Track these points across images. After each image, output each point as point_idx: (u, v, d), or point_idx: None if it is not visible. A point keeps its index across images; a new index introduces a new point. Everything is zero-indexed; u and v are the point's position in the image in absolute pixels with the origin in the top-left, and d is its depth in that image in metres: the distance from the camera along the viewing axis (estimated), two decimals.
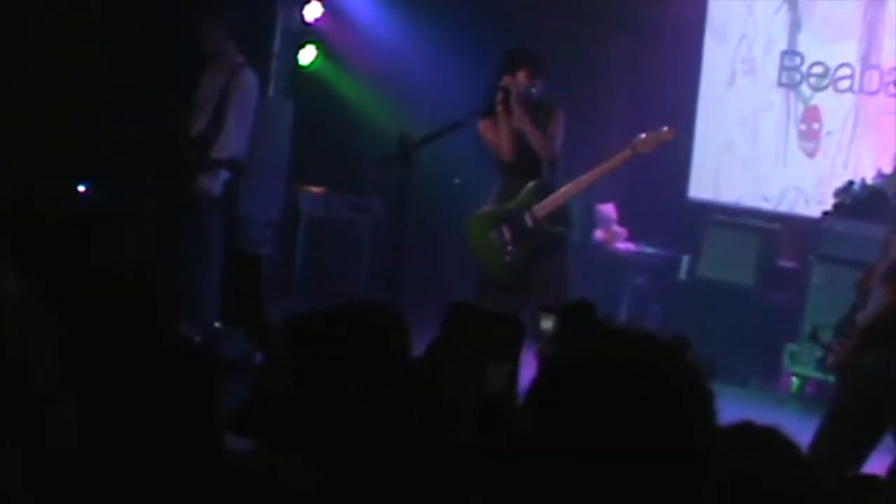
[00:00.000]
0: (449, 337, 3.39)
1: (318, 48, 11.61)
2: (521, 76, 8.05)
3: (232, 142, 9.06)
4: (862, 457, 5.75)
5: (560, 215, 8.18)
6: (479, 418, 2.90)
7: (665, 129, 8.24)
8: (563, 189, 8.15)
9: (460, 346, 3.30)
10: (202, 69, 9.30)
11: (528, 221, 8.11)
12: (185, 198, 9.03)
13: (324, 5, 11.52)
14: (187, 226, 9.05)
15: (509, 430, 2.40)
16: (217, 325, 8.73)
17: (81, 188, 9.65)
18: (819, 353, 8.97)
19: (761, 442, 2.61)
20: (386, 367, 2.96)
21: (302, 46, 11.56)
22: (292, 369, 3.02)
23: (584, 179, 8.20)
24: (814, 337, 8.07)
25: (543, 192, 8.13)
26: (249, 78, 9.28)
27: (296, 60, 11.59)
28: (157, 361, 2.88)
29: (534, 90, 8.09)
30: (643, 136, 8.19)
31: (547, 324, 3.54)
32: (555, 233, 8.14)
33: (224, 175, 9.07)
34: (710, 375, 2.06)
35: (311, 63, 11.64)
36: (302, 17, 11.47)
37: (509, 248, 8.18)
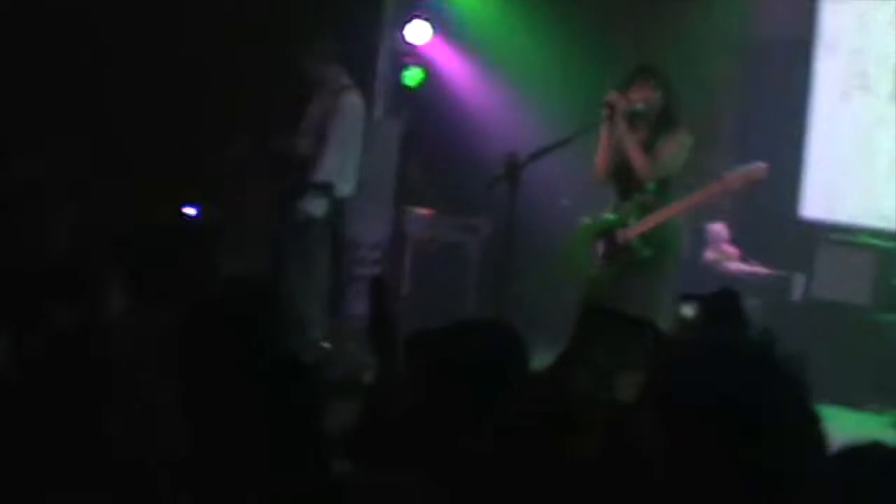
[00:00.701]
0: (581, 342, 3.31)
1: (423, 69, 11.60)
2: (635, 91, 7.89)
3: (329, 164, 9.05)
4: None
5: (653, 238, 7.92)
6: (606, 431, 2.81)
7: (760, 165, 7.97)
8: (657, 213, 7.93)
9: (593, 353, 3.21)
10: (312, 93, 9.33)
11: (619, 239, 7.97)
12: (291, 220, 9.04)
13: (431, 25, 11.50)
14: (293, 248, 9.04)
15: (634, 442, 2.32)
16: (324, 345, 8.74)
17: (191, 210, 9.72)
18: None
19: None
20: (507, 386, 2.90)
21: (407, 67, 11.54)
22: (414, 388, 2.97)
23: (675, 207, 7.98)
24: None
25: (642, 211, 7.95)
26: (353, 100, 9.27)
27: (402, 81, 11.58)
28: (269, 380, 2.86)
29: (640, 106, 7.91)
30: (736, 171, 7.96)
31: (688, 311, 3.44)
32: (642, 255, 7.93)
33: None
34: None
35: (417, 83, 11.62)
36: (407, 37, 11.46)
37: (598, 262, 8.07)
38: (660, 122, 7.94)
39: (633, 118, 7.92)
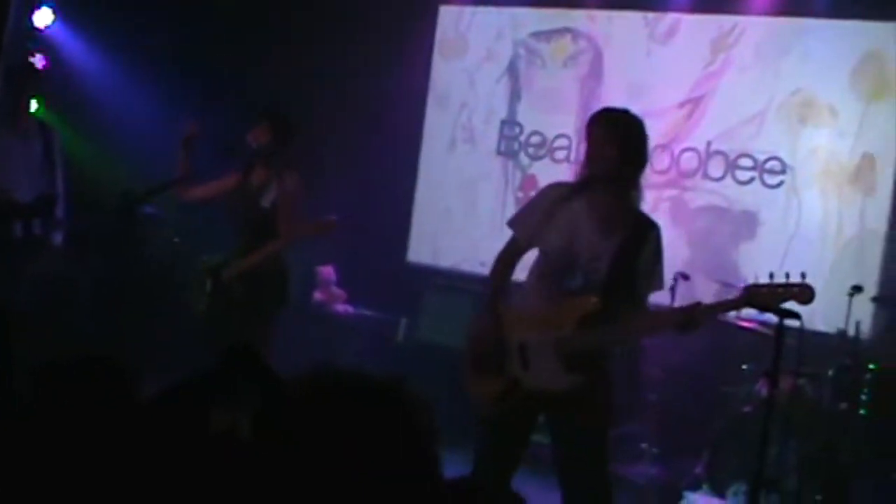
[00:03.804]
0: (210, 379, 3.37)
1: (39, 101, 11.39)
2: (253, 132, 8.04)
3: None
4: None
5: (251, 280, 8.06)
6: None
7: (331, 217, 8.22)
8: (250, 256, 8.08)
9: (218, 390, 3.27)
10: None
11: (223, 278, 8.09)
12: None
13: (46, 56, 11.34)
14: None
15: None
16: None
17: None
18: None
19: None
20: (120, 411, 3.00)
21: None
22: (33, 414, 3.03)
23: (262, 252, 8.06)
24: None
25: (245, 252, 8.08)
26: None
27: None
28: None
29: (254, 145, 8.04)
30: (311, 221, 8.21)
31: None
32: (238, 293, 8.07)
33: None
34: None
35: (34, 114, 11.41)
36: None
37: (206, 298, 8.13)
38: (276, 162, 8.10)
39: (252, 158, 8.06)
